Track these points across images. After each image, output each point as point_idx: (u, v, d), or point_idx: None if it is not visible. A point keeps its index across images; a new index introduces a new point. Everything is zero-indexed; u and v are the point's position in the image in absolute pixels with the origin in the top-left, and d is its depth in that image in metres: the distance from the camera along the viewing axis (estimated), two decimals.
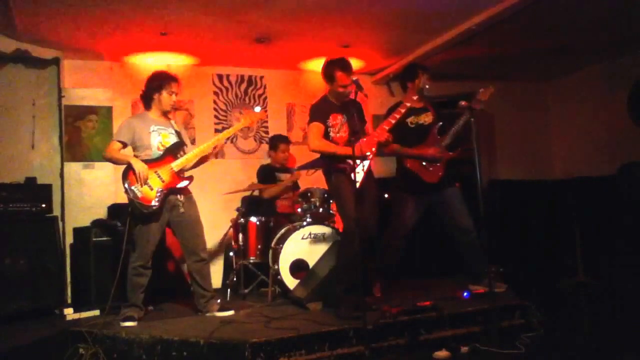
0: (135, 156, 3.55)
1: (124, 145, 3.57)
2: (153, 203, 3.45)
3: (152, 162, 3.53)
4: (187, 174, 3.68)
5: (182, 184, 3.59)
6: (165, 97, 3.62)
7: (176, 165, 3.57)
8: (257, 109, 3.96)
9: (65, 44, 4.78)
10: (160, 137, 3.60)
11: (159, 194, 3.47)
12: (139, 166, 3.44)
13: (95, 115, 5.08)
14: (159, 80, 3.62)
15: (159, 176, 3.51)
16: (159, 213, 3.51)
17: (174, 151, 3.62)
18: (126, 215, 3.95)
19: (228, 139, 3.84)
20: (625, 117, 5.82)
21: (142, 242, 3.52)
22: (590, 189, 5.43)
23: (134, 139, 3.57)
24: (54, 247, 4.21)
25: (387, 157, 4.37)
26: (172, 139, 3.65)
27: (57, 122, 4.97)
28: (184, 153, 3.67)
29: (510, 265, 4.52)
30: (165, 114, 3.70)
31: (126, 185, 3.45)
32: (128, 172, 3.47)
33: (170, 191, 3.53)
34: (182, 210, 3.58)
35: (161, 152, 3.58)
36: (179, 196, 3.60)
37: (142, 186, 3.44)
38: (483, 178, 3.57)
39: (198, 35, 4.72)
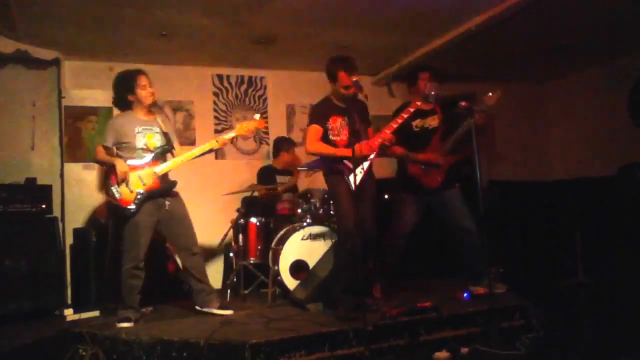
0: (120, 156, 3.52)
1: (107, 148, 3.54)
2: (131, 205, 3.44)
3: (136, 165, 3.51)
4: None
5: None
6: (141, 93, 3.56)
7: (160, 170, 3.54)
8: (256, 116, 3.74)
9: (66, 45, 4.78)
10: (145, 138, 3.57)
11: (138, 196, 3.45)
12: (119, 167, 3.43)
13: (95, 116, 5.09)
14: (126, 82, 3.56)
15: (140, 179, 3.48)
16: (146, 214, 3.48)
17: (159, 155, 3.59)
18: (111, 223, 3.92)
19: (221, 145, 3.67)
20: (624, 117, 5.83)
21: (131, 244, 3.49)
22: (590, 190, 5.43)
23: (117, 140, 3.54)
24: (54, 247, 4.22)
25: (388, 158, 4.36)
26: (158, 139, 3.61)
27: (57, 123, 4.98)
28: (172, 156, 3.65)
29: (511, 266, 4.51)
30: (150, 110, 3.65)
31: (107, 186, 3.46)
32: (110, 173, 3.47)
33: (151, 194, 3.50)
34: (167, 208, 3.56)
35: (146, 155, 3.54)
36: (166, 198, 3.58)
37: (120, 187, 3.43)
38: (482, 179, 3.56)
39: (198, 36, 4.73)
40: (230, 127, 5.59)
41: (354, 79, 3.37)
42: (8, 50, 4.58)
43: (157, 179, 3.53)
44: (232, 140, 3.70)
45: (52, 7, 3.96)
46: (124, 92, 3.58)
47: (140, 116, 3.62)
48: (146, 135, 3.58)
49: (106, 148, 3.54)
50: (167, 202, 3.56)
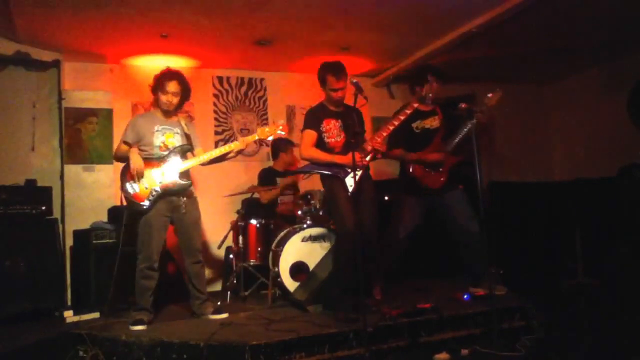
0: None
1: (129, 145, 3.58)
2: (145, 202, 3.45)
3: (153, 161, 3.53)
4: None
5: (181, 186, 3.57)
6: (161, 97, 3.59)
7: (177, 168, 3.56)
8: (280, 121, 3.82)
9: (66, 47, 4.78)
10: (163, 137, 3.59)
11: (153, 193, 3.47)
12: (134, 161, 3.45)
13: (95, 117, 5.09)
14: (156, 80, 3.60)
15: (156, 176, 3.50)
16: (159, 213, 3.49)
17: (178, 153, 3.60)
18: (125, 218, 3.94)
19: (239, 151, 3.74)
20: (624, 118, 5.83)
21: (144, 243, 3.51)
22: (590, 191, 5.43)
23: (136, 138, 3.57)
24: (54, 249, 4.21)
25: (388, 160, 4.36)
26: (177, 139, 3.63)
27: (58, 124, 4.98)
28: (192, 156, 3.67)
29: (511, 267, 4.51)
30: (168, 113, 3.67)
31: (123, 181, 3.47)
32: (127, 168, 3.49)
33: (167, 192, 3.52)
34: (183, 211, 3.57)
35: (164, 152, 3.56)
36: (181, 197, 3.59)
37: (135, 182, 3.44)
38: (483, 180, 3.56)
39: (198, 38, 4.73)
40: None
41: (354, 80, 3.39)
42: (8, 52, 4.58)
43: (174, 177, 3.54)
44: (256, 143, 3.73)
45: (52, 9, 3.96)
46: (153, 89, 3.61)
47: (159, 116, 3.66)
48: (165, 134, 3.61)
49: (128, 144, 3.56)
50: (183, 203, 3.57)
